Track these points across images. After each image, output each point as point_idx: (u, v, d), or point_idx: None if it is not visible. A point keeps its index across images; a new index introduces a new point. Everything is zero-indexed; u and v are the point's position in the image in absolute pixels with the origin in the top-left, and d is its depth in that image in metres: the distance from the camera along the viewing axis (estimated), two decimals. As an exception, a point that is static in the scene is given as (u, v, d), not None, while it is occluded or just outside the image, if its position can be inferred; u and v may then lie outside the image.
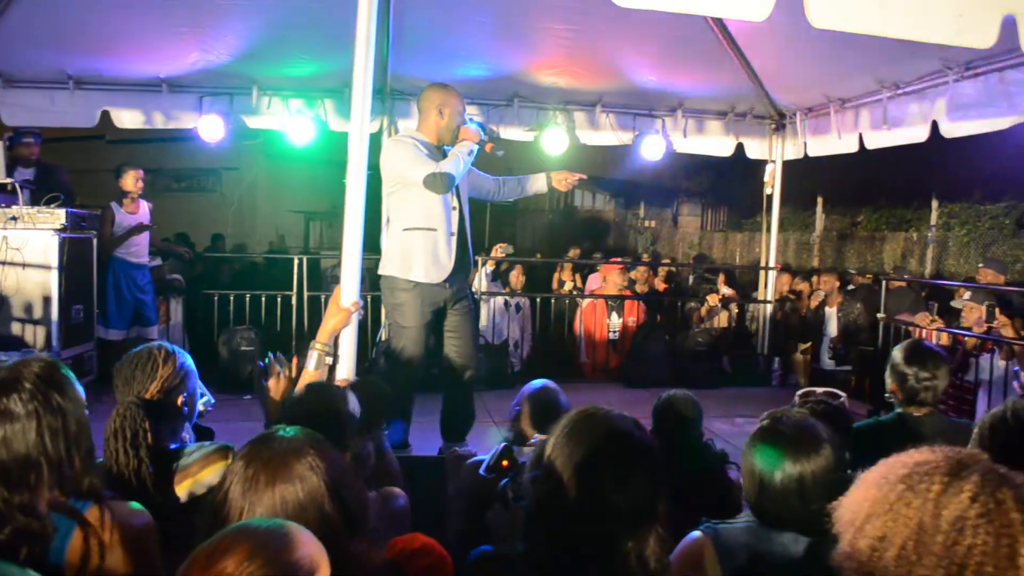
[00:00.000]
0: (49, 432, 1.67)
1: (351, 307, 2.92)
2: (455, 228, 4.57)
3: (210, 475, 2.22)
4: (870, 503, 1.21)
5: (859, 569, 1.19)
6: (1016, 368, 5.83)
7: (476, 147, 4.49)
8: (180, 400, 2.31)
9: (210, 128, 7.29)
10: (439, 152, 4.58)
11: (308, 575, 1.24)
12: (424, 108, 4.63)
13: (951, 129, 6.00)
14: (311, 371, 2.65)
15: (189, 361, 2.40)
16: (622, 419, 1.71)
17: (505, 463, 2.12)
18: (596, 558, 1.59)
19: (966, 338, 6.35)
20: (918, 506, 1.15)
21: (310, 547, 1.28)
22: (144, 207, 7.30)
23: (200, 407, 2.50)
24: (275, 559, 1.21)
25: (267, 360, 2.64)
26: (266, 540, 1.23)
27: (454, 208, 4.59)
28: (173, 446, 2.28)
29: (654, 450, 1.68)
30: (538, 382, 3.13)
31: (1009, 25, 2.82)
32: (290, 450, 1.53)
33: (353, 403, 2.32)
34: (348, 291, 3.08)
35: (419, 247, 4.50)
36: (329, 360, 2.73)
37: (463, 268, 4.72)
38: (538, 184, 5.06)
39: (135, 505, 1.84)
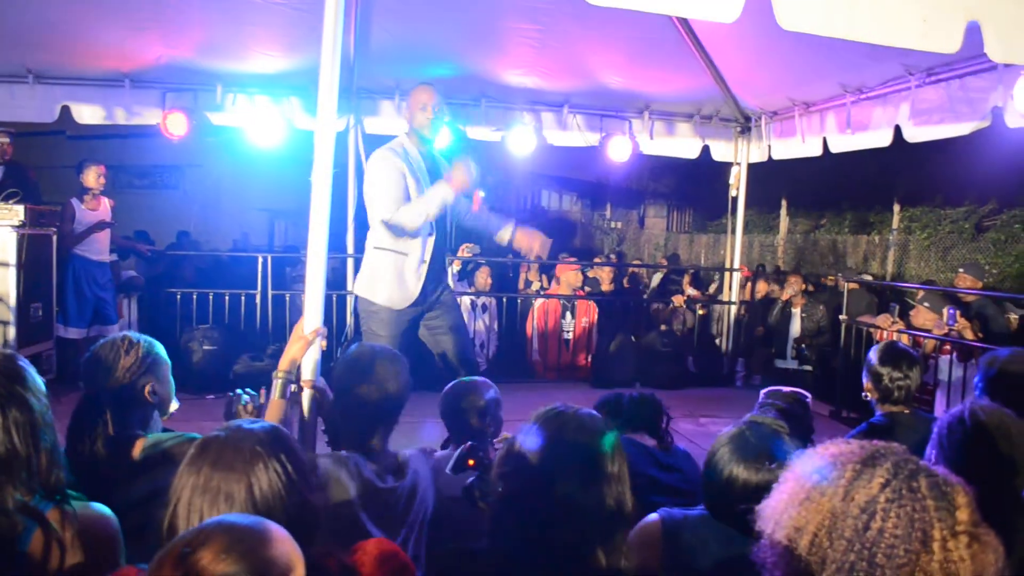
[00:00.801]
0: (15, 426, 1.63)
1: (311, 336, 2.85)
2: (428, 256, 4.43)
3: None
4: (787, 495, 1.23)
5: (777, 561, 1.20)
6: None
7: (454, 198, 4.32)
8: (148, 389, 2.27)
9: (173, 125, 7.17)
10: (423, 146, 4.51)
11: (283, 573, 1.23)
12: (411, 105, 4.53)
13: (914, 134, 6.09)
14: (276, 399, 2.62)
15: (159, 351, 2.37)
16: (591, 417, 1.75)
17: (471, 462, 2.11)
18: (566, 554, 1.62)
19: (925, 340, 6.45)
20: (831, 493, 1.16)
21: (286, 545, 1.27)
22: (105, 204, 7.17)
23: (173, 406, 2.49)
24: (251, 554, 1.20)
25: (232, 395, 2.62)
26: (243, 535, 1.22)
27: (429, 235, 4.45)
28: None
29: (620, 448, 1.71)
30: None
31: (973, 31, 2.86)
32: (240, 452, 1.52)
33: None
34: (311, 316, 3.02)
35: (385, 269, 4.38)
36: (292, 387, 2.70)
37: (434, 291, 4.59)
38: (503, 233, 4.78)
39: (98, 507, 1.80)
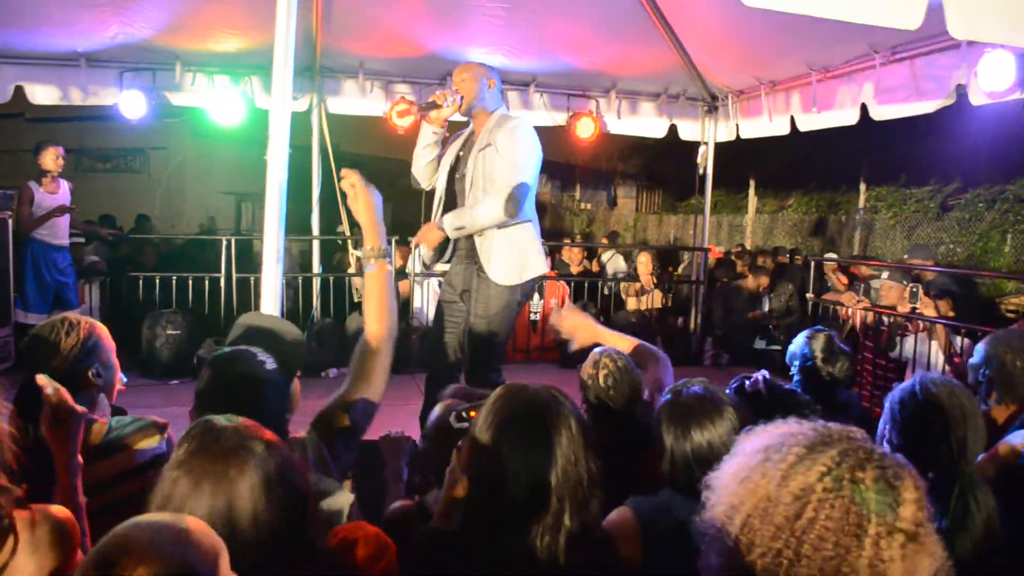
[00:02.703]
0: None
1: (359, 186, 2.52)
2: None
3: (141, 446, 2.19)
4: (731, 472, 1.20)
5: (714, 536, 1.18)
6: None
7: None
8: (91, 372, 2.20)
9: (131, 105, 7.02)
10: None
11: (211, 561, 1.20)
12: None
13: (879, 112, 6.12)
14: (384, 269, 2.47)
15: (102, 332, 2.30)
16: (543, 390, 1.77)
17: (473, 414, 2.08)
18: (534, 529, 1.64)
19: (895, 318, 6.49)
20: (770, 476, 1.13)
21: (205, 533, 1.23)
22: (64, 187, 7.02)
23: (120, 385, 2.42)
24: (172, 550, 1.16)
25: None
26: (158, 532, 1.18)
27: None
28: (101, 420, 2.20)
29: (575, 418, 1.73)
30: None
31: (935, 8, 2.84)
32: (227, 449, 1.47)
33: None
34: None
35: (532, 239, 4.28)
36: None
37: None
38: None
39: (55, 508, 1.72)
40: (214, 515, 1.39)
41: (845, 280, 8.56)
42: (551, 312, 8.62)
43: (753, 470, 1.16)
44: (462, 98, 4.20)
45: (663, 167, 17.10)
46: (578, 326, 3.23)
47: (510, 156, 4.07)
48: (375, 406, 2.37)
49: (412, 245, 5.00)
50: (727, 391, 2.32)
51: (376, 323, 2.41)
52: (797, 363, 3.51)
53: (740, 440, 1.27)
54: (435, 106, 4.18)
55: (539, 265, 4.30)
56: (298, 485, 1.54)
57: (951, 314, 6.18)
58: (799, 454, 1.13)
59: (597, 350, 3.04)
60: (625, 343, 3.10)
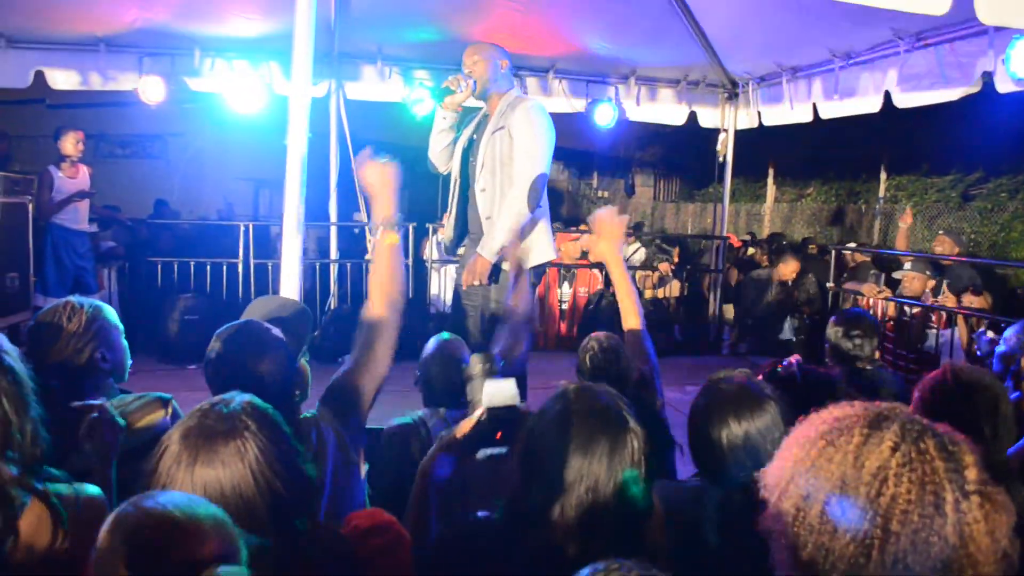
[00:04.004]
0: (5, 396, 1.56)
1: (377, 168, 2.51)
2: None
3: (146, 423, 2.20)
4: (792, 463, 1.18)
5: (785, 531, 1.16)
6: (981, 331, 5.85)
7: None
8: (98, 356, 2.19)
9: (150, 90, 7.03)
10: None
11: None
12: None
13: (903, 99, 6.04)
14: (392, 241, 2.42)
15: (107, 315, 2.29)
16: (608, 395, 1.72)
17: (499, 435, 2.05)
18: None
19: (916, 309, 6.43)
20: (839, 460, 1.12)
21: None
22: (84, 172, 7.05)
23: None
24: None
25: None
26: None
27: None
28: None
29: (637, 429, 1.67)
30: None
31: (963, -6, 2.80)
32: (221, 431, 1.46)
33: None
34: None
35: (545, 227, 4.29)
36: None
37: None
38: None
39: (92, 490, 1.72)
40: (208, 491, 1.40)
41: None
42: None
43: (818, 458, 1.14)
44: (475, 82, 4.16)
45: (681, 155, 16.98)
46: (607, 237, 3.05)
47: (526, 144, 4.03)
48: (382, 380, 2.33)
49: (434, 233, 4.99)
50: (759, 378, 2.29)
51: (379, 295, 2.36)
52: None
53: (793, 433, 1.25)
54: (449, 91, 4.16)
55: (547, 251, 4.28)
56: (295, 463, 1.53)
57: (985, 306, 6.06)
58: (863, 433, 1.13)
59: (592, 334, 3.04)
60: (621, 285, 3.00)
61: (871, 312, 6.61)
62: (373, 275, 2.40)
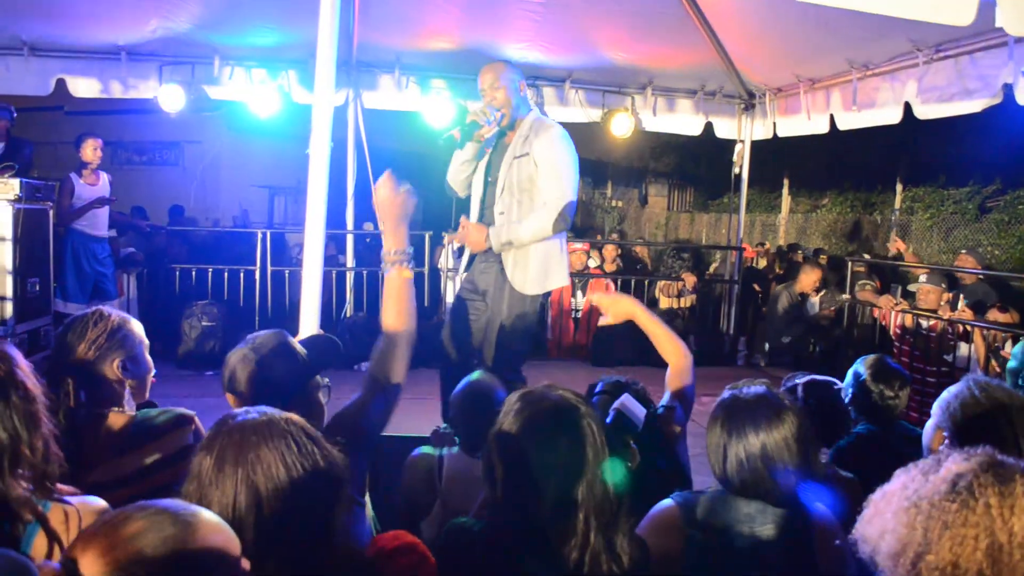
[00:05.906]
0: (16, 411, 1.54)
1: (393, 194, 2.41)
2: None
3: (171, 438, 2.20)
4: (921, 530, 1.13)
5: None
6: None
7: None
8: (116, 365, 2.19)
9: (170, 98, 7.09)
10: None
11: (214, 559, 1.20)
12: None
13: (924, 111, 5.99)
14: (405, 276, 2.33)
15: (133, 328, 2.29)
16: (568, 393, 1.79)
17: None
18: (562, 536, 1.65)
19: (935, 323, 6.38)
20: (985, 524, 1.09)
21: (218, 533, 1.23)
22: (104, 179, 7.12)
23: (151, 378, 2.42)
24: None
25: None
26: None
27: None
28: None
29: (589, 411, 1.74)
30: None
31: (985, 7, 2.78)
32: (251, 430, 1.47)
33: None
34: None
35: (561, 252, 4.27)
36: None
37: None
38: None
39: (94, 500, 1.72)
40: (238, 495, 1.40)
41: (878, 284, 8.41)
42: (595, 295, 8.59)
43: (953, 522, 1.11)
44: (503, 115, 4.08)
45: (695, 165, 16.96)
46: (615, 303, 3.14)
47: (553, 171, 4.00)
48: (392, 407, 2.26)
49: (448, 242, 4.98)
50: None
51: (395, 322, 2.29)
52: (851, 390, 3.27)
53: (889, 493, 1.22)
54: (476, 126, 4.06)
55: (561, 278, 4.26)
56: (326, 468, 1.52)
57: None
58: (998, 492, 1.11)
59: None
60: (656, 328, 3.02)
61: (887, 325, 6.58)
62: (385, 307, 2.33)
